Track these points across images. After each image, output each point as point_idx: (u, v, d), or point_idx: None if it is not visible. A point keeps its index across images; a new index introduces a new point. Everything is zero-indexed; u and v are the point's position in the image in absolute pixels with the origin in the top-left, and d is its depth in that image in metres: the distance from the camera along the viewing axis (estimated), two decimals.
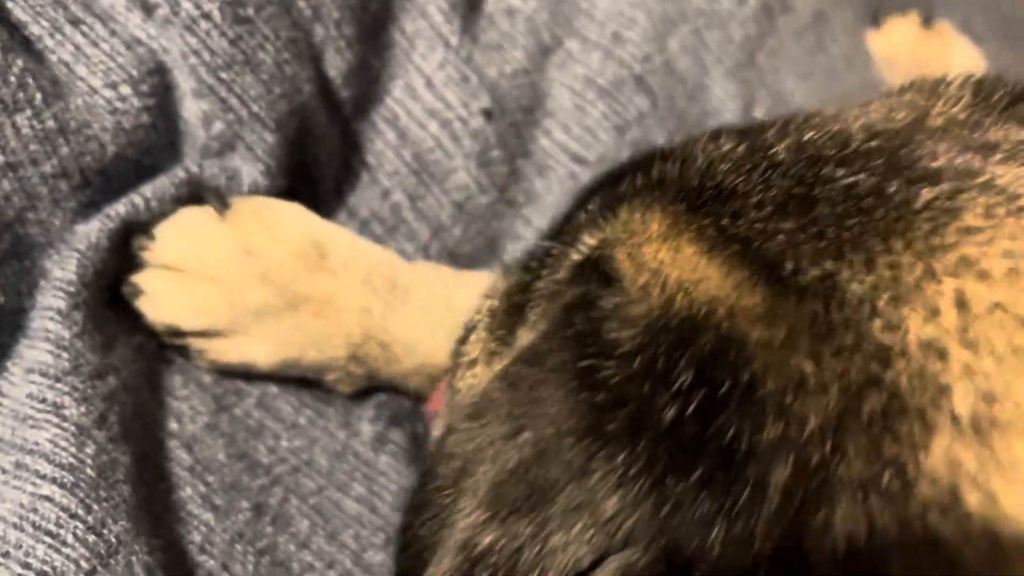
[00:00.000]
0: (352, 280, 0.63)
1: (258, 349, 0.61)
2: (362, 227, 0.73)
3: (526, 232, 0.79)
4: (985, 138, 0.37)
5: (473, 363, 0.50)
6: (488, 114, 0.76)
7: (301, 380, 0.66)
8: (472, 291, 0.70)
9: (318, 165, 0.70)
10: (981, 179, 0.34)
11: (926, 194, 0.33)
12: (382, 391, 0.70)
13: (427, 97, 0.74)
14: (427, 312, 0.66)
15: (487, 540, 0.33)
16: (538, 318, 0.44)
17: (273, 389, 0.65)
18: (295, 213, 0.64)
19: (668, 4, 0.87)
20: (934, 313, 0.30)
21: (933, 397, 0.29)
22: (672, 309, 0.33)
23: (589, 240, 0.42)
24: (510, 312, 0.48)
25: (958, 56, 1.21)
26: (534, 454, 0.33)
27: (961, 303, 0.30)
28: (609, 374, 0.33)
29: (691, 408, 0.31)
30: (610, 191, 0.44)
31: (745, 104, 0.91)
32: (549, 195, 0.80)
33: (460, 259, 0.76)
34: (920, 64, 1.19)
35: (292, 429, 0.64)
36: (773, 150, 0.39)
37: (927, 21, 1.21)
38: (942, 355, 0.29)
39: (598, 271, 0.38)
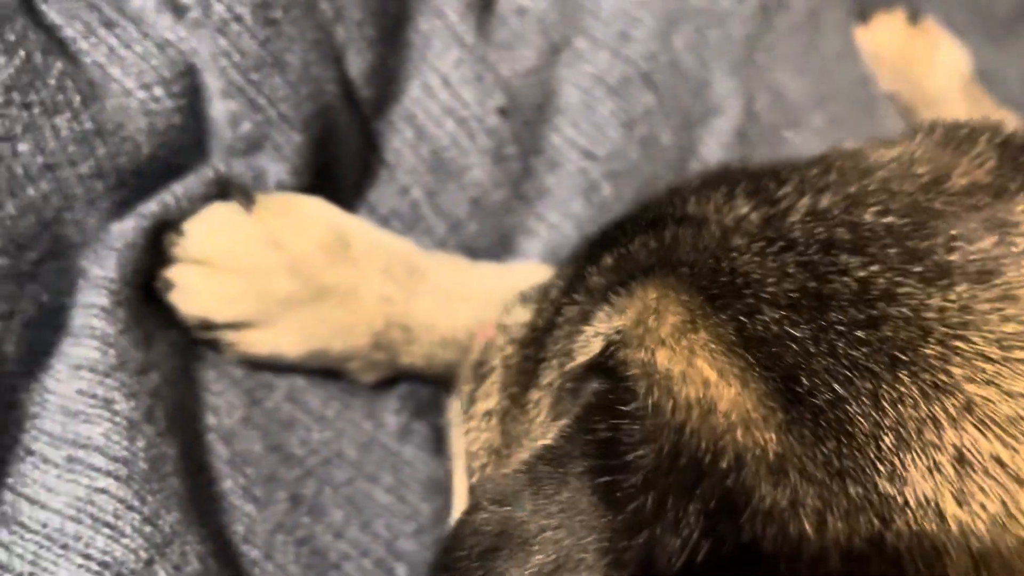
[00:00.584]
0: (373, 270, 0.65)
1: (286, 340, 0.62)
2: (382, 223, 0.74)
3: (538, 227, 0.81)
4: (1007, 214, 0.37)
5: (489, 416, 0.51)
6: (503, 112, 0.78)
7: (325, 372, 0.67)
8: (484, 275, 0.72)
9: (339, 164, 0.71)
10: (997, 286, 0.33)
11: (937, 302, 0.33)
12: (405, 382, 0.71)
13: (443, 96, 0.76)
14: (443, 291, 0.68)
15: None
16: (553, 394, 0.44)
17: (300, 382, 0.66)
18: (319, 207, 0.65)
19: (671, 3, 0.90)
20: (934, 468, 0.30)
21: (929, 562, 0.29)
22: (682, 439, 0.32)
23: (604, 322, 0.41)
24: (523, 368, 0.49)
25: (943, 52, 1.25)
26: (554, 562, 0.34)
27: (960, 458, 0.30)
28: (628, 494, 0.33)
29: (698, 558, 0.31)
30: (624, 254, 0.44)
31: (746, 101, 0.93)
32: (560, 190, 0.82)
33: (476, 253, 0.78)
34: (907, 60, 1.22)
35: (321, 421, 0.65)
36: (788, 221, 0.38)
37: (913, 17, 1.24)
38: (940, 515, 0.29)
39: (616, 374, 0.37)
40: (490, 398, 0.51)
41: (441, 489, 0.68)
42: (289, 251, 0.61)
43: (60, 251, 0.57)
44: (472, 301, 0.70)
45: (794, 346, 0.33)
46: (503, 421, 0.49)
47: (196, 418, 0.59)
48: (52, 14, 0.58)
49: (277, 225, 0.62)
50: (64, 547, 0.47)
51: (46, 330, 0.56)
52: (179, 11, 0.61)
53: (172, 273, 0.60)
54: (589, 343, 0.42)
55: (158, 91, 0.60)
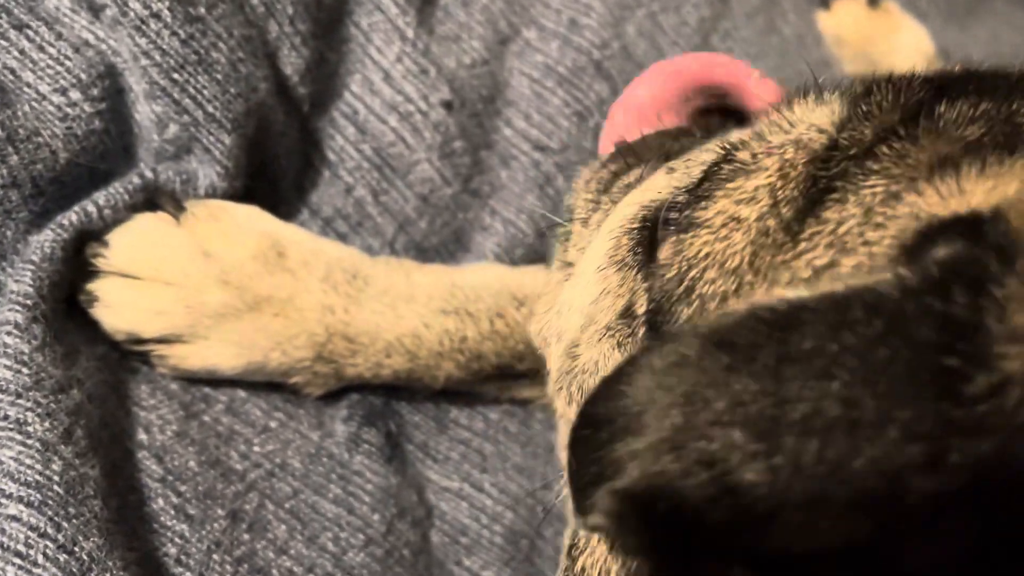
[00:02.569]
0: (312, 279, 0.62)
1: (220, 353, 0.60)
2: (326, 225, 0.71)
3: (493, 222, 0.79)
4: None
5: (739, 223, 0.41)
6: (448, 105, 0.75)
7: (271, 384, 0.65)
8: (432, 275, 0.69)
9: (277, 164, 0.69)
10: None
11: None
12: (354, 391, 0.69)
13: (386, 91, 0.73)
14: (387, 292, 0.65)
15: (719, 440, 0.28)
16: (854, 239, 0.36)
17: (242, 394, 0.64)
18: (252, 214, 0.63)
19: None
20: None
21: None
22: None
23: (971, 182, 0.35)
24: (807, 189, 0.40)
25: (905, 33, 1.23)
26: (845, 417, 0.28)
27: None
28: (979, 392, 0.28)
29: None
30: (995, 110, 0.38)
31: None
32: (514, 184, 0.79)
33: (427, 252, 0.75)
34: (869, 42, 1.21)
35: (264, 433, 0.63)
36: None
37: (874, 1, 1.23)
38: None
39: (993, 246, 0.30)
40: (747, 201, 0.41)
41: (392, 498, 0.66)
42: (220, 261, 0.59)
43: None
44: (419, 304, 0.67)
45: None
46: (755, 242, 0.40)
47: (126, 435, 0.56)
48: None
49: (207, 234, 0.59)
50: None
51: None
52: (96, 10, 0.58)
53: (96, 286, 0.57)
54: (944, 200, 0.35)
55: (75, 95, 0.57)
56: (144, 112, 0.61)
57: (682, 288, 0.41)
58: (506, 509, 0.71)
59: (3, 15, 0.56)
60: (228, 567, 0.56)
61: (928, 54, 1.23)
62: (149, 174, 0.60)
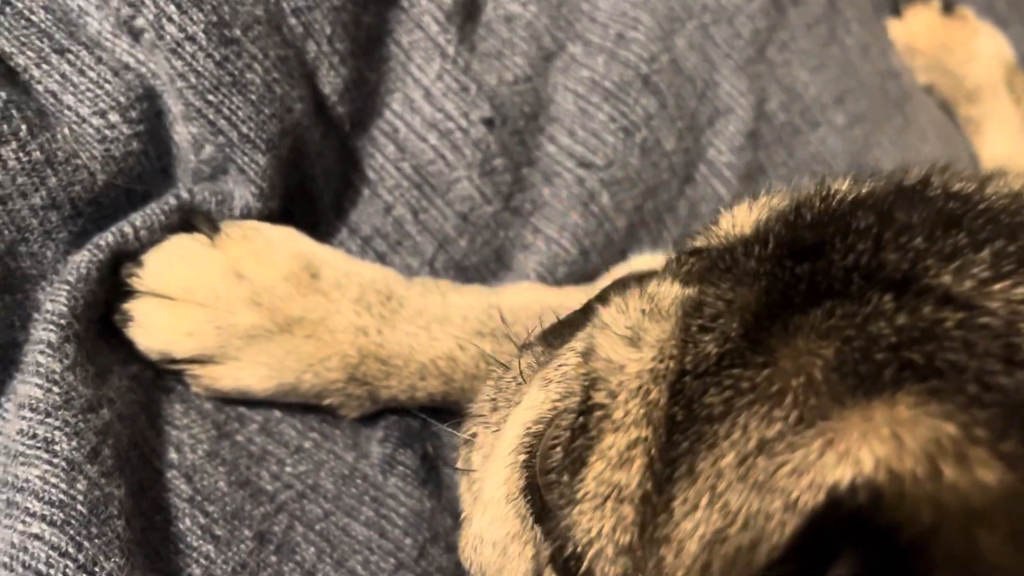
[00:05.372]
0: (345, 300, 0.62)
1: (252, 374, 0.60)
2: (365, 244, 0.71)
3: (535, 240, 0.77)
4: None
5: (617, 494, 0.38)
6: (489, 123, 0.74)
7: (308, 405, 0.65)
8: (469, 297, 0.68)
9: (315, 183, 0.69)
10: None
11: None
12: (392, 412, 0.68)
13: (426, 109, 0.73)
14: (422, 314, 0.64)
15: None
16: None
17: (278, 414, 0.63)
18: (286, 235, 0.63)
19: (673, 1, 0.85)
20: None
21: None
22: None
23: (852, 440, 0.32)
24: (670, 435, 0.37)
25: (983, 40, 1.18)
26: None
27: None
28: None
29: None
30: (858, 326, 0.34)
31: (757, 100, 0.88)
32: (557, 202, 0.78)
33: (467, 271, 0.74)
34: (944, 50, 1.16)
35: (297, 454, 0.63)
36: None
37: (948, 7, 1.18)
38: None
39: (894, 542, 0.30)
40: (617, 467, 0.38)
41: (425, 522, 0.65)
42: (251, 282, 0.59)
43: (13, 284, 0.56)
44: (454, 325, 0.66)
45: None
46: (640, 513, 0.37)
47: (155, 454, 0.56)
48: (2, 42, 0.57)
49: (240, 255, 0.59)
50: None
51: None
52: (136, 34, 0.59)
53: (130, 306, 0.58)
54: (822, 465, 0.32)
55: (113, 117, 0.58)
56: (181, 134, 0.61)
57: (584, 569, 0.38)
58: None
59: (45, 40, 0.58)
60: None
61: (1008, 61, 1.17)
62: (185, 195, 0.61)
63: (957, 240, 0.36)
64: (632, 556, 0.36)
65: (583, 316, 0.48)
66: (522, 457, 0.44)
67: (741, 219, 0.45)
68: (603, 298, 0.45)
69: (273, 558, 0.57)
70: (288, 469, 0.61)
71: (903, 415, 0.31)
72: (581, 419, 0.40)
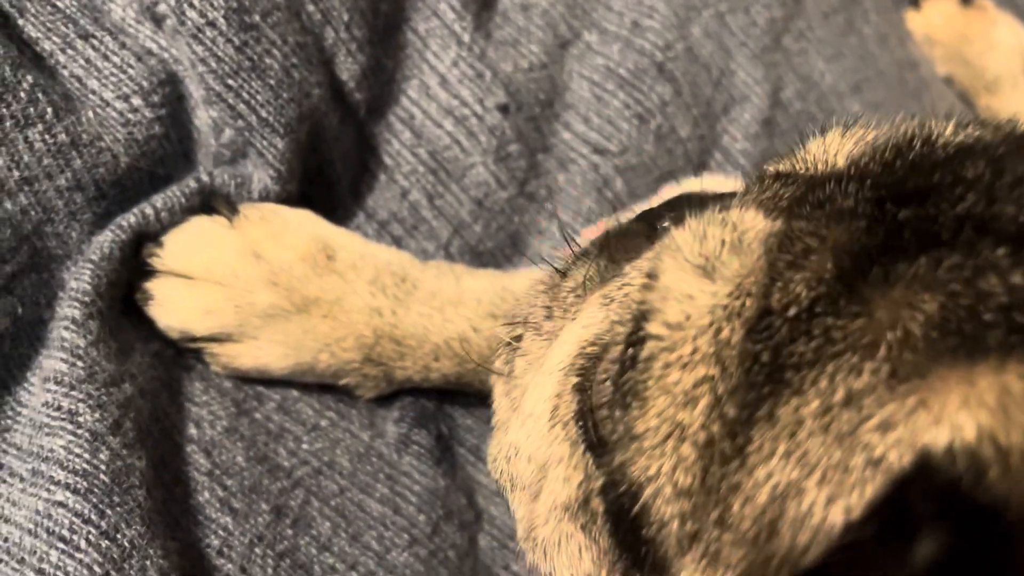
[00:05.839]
0: (360, 281, 0.63)
1: (269, 353, 0.61)
2: (381, 228, 0.72)
3: (550, 226, 0.78)
4: None
5: (677, 437, 0.36)
6: (504, 109, 0.75)
7: (325, 385, 0.66)
8: (483, 280, 0.69)
9: (333, 168, 0.70)
10: None
11: None
12: (407, 393, 0.69)
13: (442, 95, 0.74)
14: (436, 296, 0.65)
15: None
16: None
17: (295, 393, 0.65)
18: (302, 218, 0.64)
19: None
20: None
21: None
22: None
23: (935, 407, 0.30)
24: (750, 376, 0.34)
25: (1002, 30, 1.17)
26: None
27: None
28: None
29: None
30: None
31: (773, 88, 0.88)
32: (571, 188, 0.79)
33: (482, 256, 0.75)
34: (963, 41, 1.15)
35: (313, 431, 0.64)
36: None
37: None
38: None
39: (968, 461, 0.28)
40: (688, 404, 0.35)
41: (439, 500, 0.66)
42: (269, 263, 0.60)
43: (40, 264, 0.57)
44: (467, 307, 0.67)
45: None
46: (703, 456, 0.34)
47: (176, 429, 0.58)
48: (29, 28, 0.58)
49: (257, 236, 0.61)
50: (20, 561, 0.47)
51: (23, 343, 0.56)
52: (158, 20, 0.61)
53: (151, 285, 0.59)
54: (913, 426, 0.30)
55: (136, 101, 0.60)
56: (202, 118, 0.63)
57: (638, 507, 0.36)
58: None
59: (70, 25, 0.59)
60: (270, 561, 0.57)
61: None
62: (205, 178, 0.62)
63: None
64: (691, 500, 0.34)
65: (649, 229, 0.45)
66: (573, 379, 0.42)
67: (834, 148, 0.42)
68: (677, 216, 0.41)
69: (289, 531, 0.59)
70: (305, 446, 0.63)
71: (1013, 385, 0.29)
72: (631, 351, 0.37)
